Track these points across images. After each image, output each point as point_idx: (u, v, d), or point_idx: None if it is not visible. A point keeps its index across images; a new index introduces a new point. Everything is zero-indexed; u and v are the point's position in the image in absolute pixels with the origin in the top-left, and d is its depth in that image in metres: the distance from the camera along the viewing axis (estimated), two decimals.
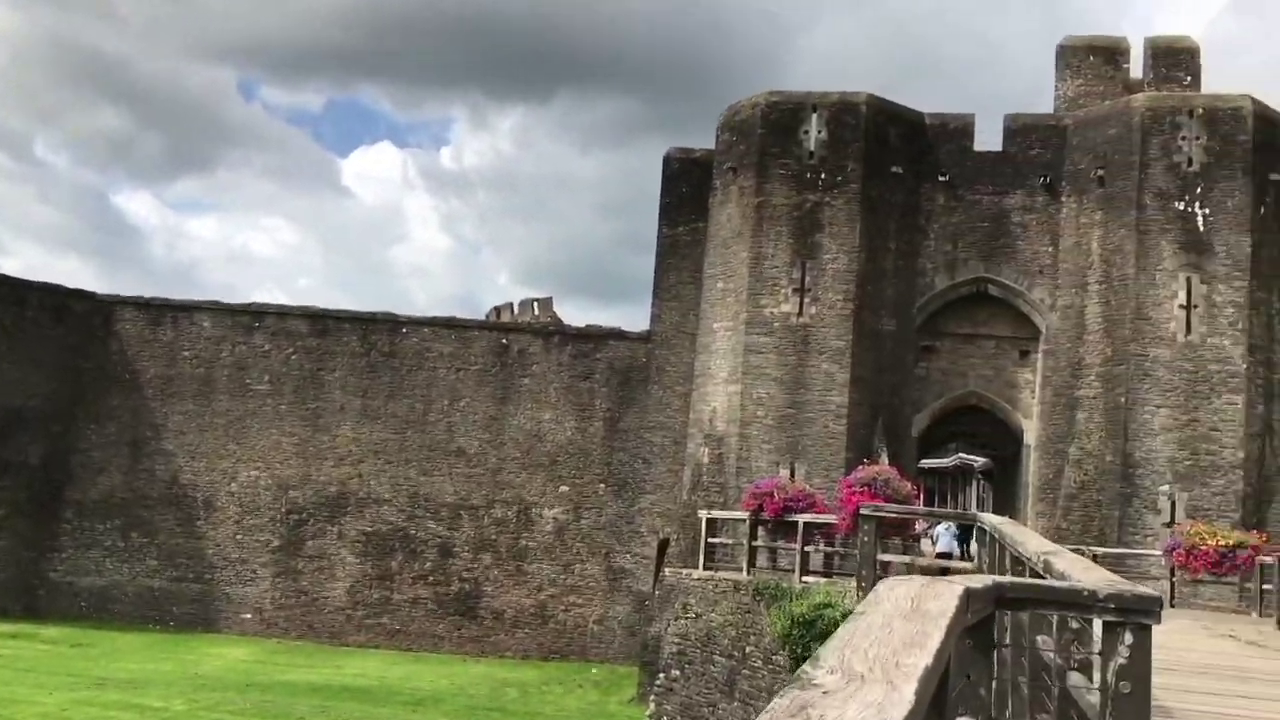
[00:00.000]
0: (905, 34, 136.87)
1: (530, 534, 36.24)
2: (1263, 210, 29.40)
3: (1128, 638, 4.90)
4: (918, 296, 31.78)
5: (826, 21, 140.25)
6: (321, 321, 37.76)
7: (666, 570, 30.00)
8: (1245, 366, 28.57)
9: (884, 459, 28.10)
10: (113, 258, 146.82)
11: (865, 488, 22.00)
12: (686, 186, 35.55)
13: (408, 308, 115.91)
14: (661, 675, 25.30)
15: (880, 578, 18.71)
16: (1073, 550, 15.55)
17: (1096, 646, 5.24)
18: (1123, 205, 29.74)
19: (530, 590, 35.99)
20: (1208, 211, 29.09)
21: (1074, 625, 6.58)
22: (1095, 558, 22.58)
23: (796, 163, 31.27)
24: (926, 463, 43.51)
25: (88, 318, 37.82)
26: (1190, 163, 29.33)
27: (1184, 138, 29.41)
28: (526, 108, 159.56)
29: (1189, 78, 32.85)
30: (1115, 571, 17.77)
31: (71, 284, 38.71)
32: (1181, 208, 29.20)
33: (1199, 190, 29.20)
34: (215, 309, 38.29)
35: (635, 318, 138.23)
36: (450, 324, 37.98)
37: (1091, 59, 34.16)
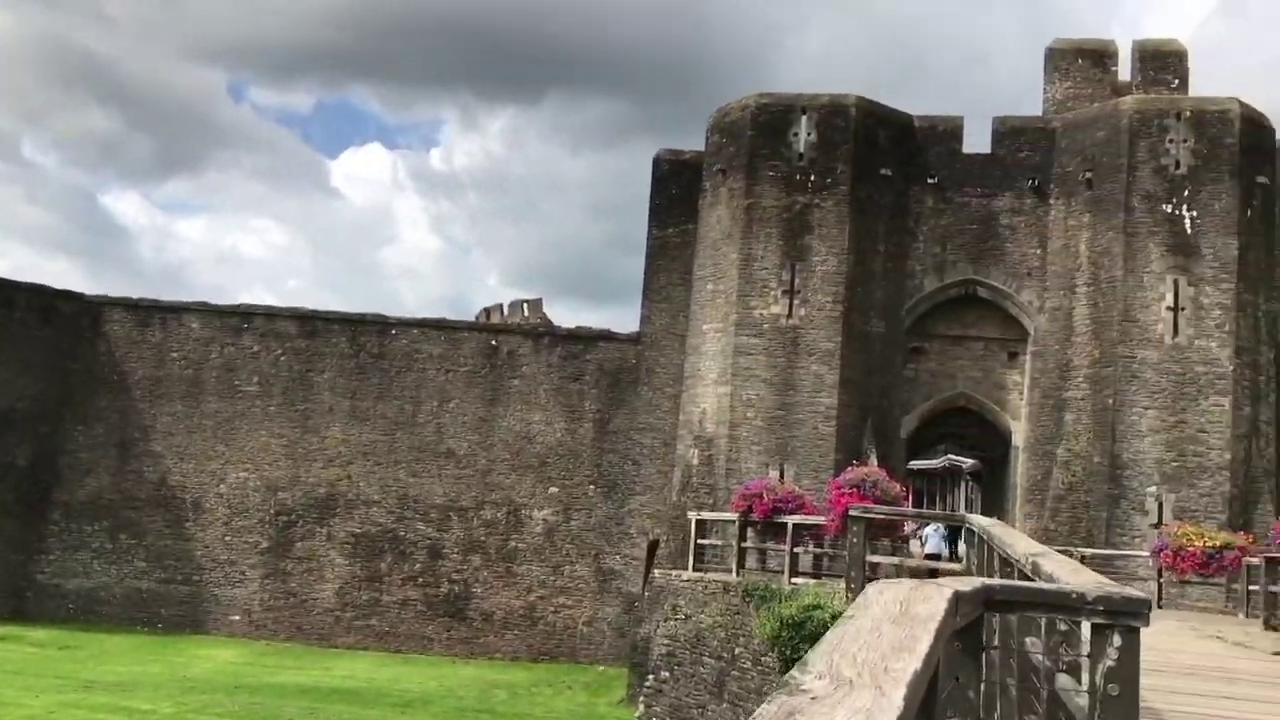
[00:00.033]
0: (894, 36, 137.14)
1: (520, 535, 36.21)
2: (1249, 213, 29.53)
3: (1116, 640, 4.92)
4: (907, 298, 31.85)
5: (815, 23, 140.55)
6: (310, 323, 37.69)
7: (656, 572, 30.00)
8: (1232, 368, 28.69)
9: (873, 460, 28.16)
10: (101, 259, 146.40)
11: (854, 489, 22.03)
12: (676, 188, 35.57)
13: (397, 309, 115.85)
14: (651, 677, 25.30)
15: (869, 579, 18.76)
16: (1060, 551, 15.61)
17: (1085, 648, 5.27)
18: (1111, 208, 29.85)
19: (520, 592, 35.96)
20: (1195, 214, 29.22)
21: (1062, 627, 6.60)
22: (1083, 559, 22.66)
23: (786, 164, 31.32)
24: (915, 464, 43.51)
25: (75, 319, 37.68)
26: (1178, 165, 29.45)
27: (1171, 140, 29.53)
28: (516, 109, 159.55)
29: (1177, 81, 32.99)
30: (1103, 573, 17.85)
31: (59, 285, 38.64)
32: (1169, 210, 29.32)
33: (1186, 193, 29.32)
34: (204, 310, 38.19)
35: (625, 319, 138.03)
36: (439, 325, 37.94)
37: (1080, 62, 34.28)
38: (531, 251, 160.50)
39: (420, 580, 36.31)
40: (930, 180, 31.93)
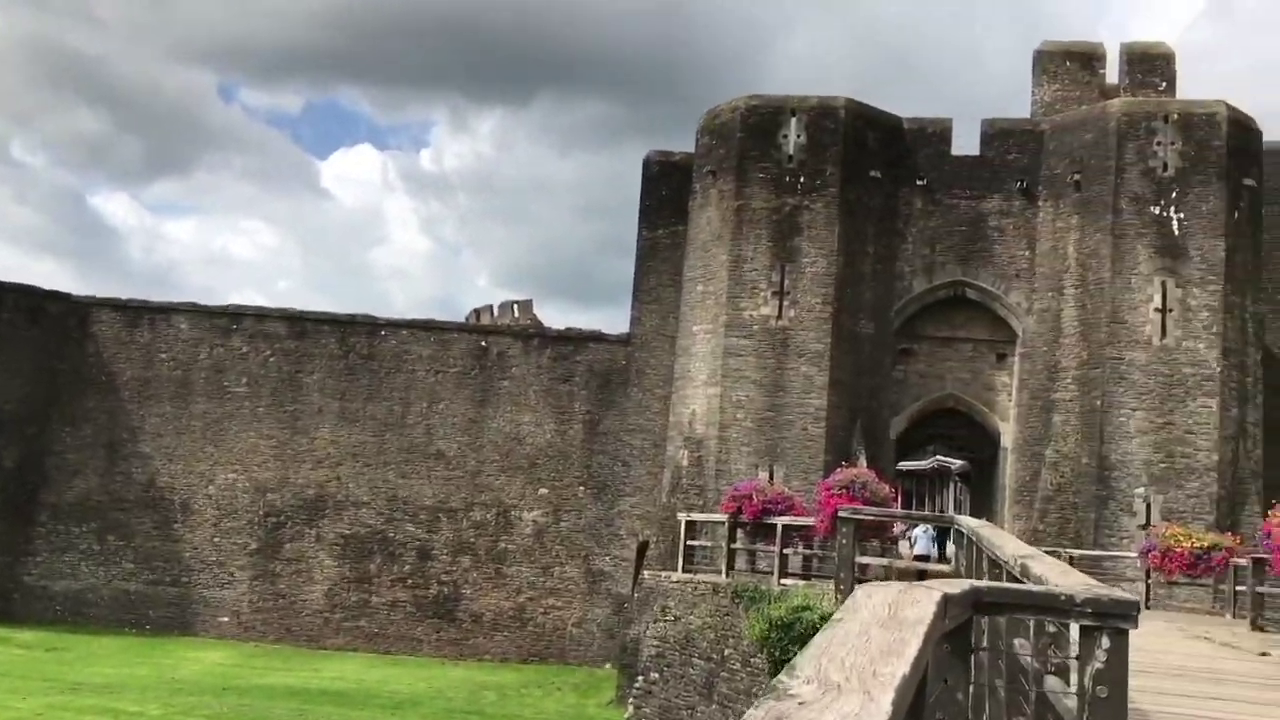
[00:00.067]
0: (883, 38, 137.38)
1: (509, 537, 36.18)
2: (1237, 215, 29.65)
3: (1105, 642, 4.93)
4: (896, 300, 31.91)
5: (805, 25, 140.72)
6: (300, 323, 37.62)
7: (645, 573, 30.00)
8: (1219, 370, 28.80)
9: (862, 461, 28.18)
10: (90, 260, 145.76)
11: (843, 490, 22.05)
12: (666, 189, 35.60)
13: (387, 310, 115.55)
14: (640, 678, 25.29)
15: (858, 580, 18.78)
16: (1048, 552, 15.65)
17: (1073, 650, 5.28)
18: (1099, 209, 29.95)
19: (509, 593, 35.93)
20: (1182, 216, 29.33)
21: (1051, 629, 6.62)
22: (1071, 560, 22.73)
23: (776, 166, 31.35)
24: (904, 465, 43.55)
25: (63, 319, 37.54)
26: (1165, 168, 29.55)
27: (1159, 143, 29.64)
28: (506, 110, 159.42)
29: (1164, 83, 33.11)
30: (1091, 574, 17.90)
31: (48, 286, 38.42)
32: (1157, 212, 29.42)
33: (1174, 195, 29.43)
34: (193, 311, 38.08)
35: (615, 320, 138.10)
36: (429, 326, 37.89)
37: (1068, 64, 34.38)
38: (521, 252, 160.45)
39: (410, 581, 36.26)
40: (919, 182, 32.00)
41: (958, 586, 4.41)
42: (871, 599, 3.31)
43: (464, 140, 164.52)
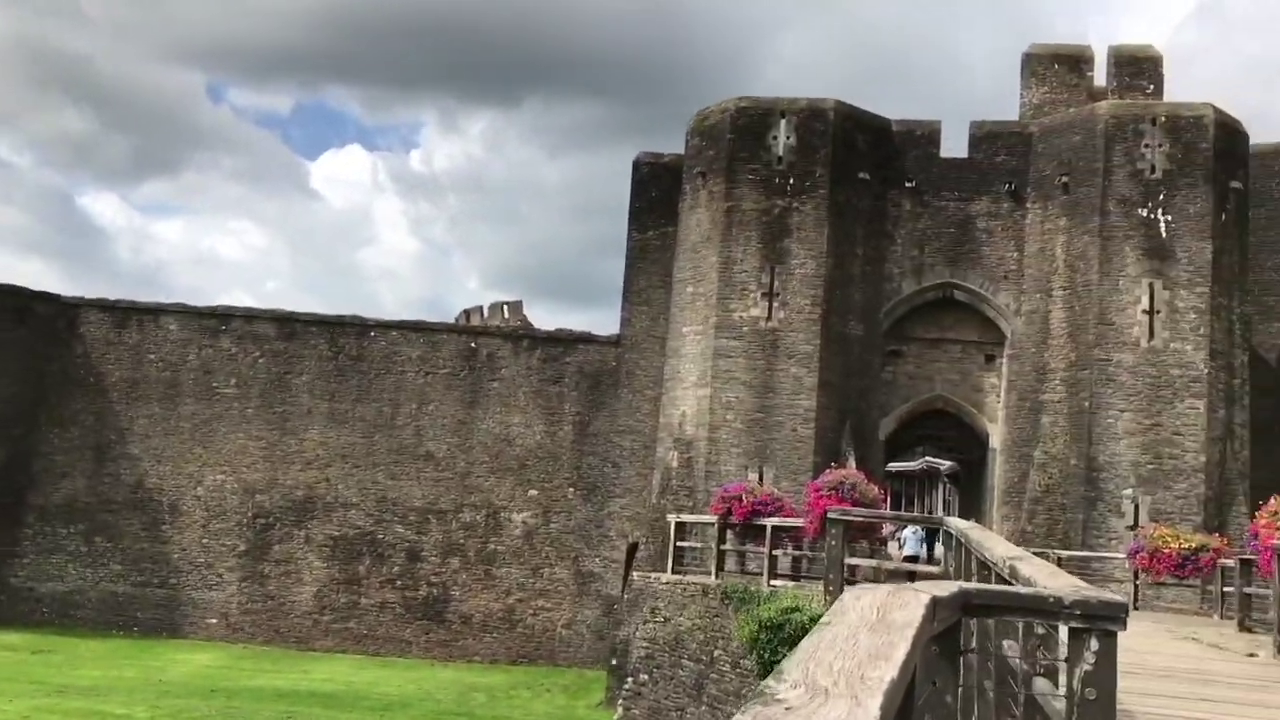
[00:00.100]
0: (872, 40, 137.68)
1: (499, 538, 36.13)
2: (1224, 217, 29.77)
3: (1093, 644, 4.94)
4: (884, 301, 31.96)
5: (794, 28, 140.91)
6: (289, 324, 37.52)
7: (635, 574, 29.99)
8: (1207, 371, 28.90)
9: (851, 463, 28.22)
10: (78, 260, 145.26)
11: (833, 491, 22.05)
12: (656, 191, 35.61)
13: (377, 311, 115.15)
14: (630, 679, 25.27)
15: (848, 581, 18.79)
16: (1037, 553, 15.68)
17: (1062, 652, 5.28)
18: (1087, 211, 30.04)
19: (499, 594, 35.88)
20: (1170, 218, 29.43)
21: (1040, 631, 6.63)
22: (1060, 561, 22.80)
23: (765, 168, 31.38)
24: (894, 466, 43.71)
25: (51, 320, 37.39)
26: (1153, 170, 29.66)
27: (1147, 145, 29.74)
28: (496, 111, 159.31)
29: (1152, 86, 33.23)
30: (1079, 575, 17.94)
31: (36, 286, 38.24)
32: (1144, 214, 29.52)
33: (1161, 197, 29.54)
34: (181, 311, 37.96)
35: (605, 322, 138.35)
36: (418, 327, 37.83)
37: (1056, 67, 34.48)
38: (511, 254, 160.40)
39: (399, 583, 36.19)
40: (908, 184, 32.07)
41: (946, 589, 4.41)
42: (859, 602, 3.30)
43: (454, 141, 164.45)
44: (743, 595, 22.20)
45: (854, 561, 20.83)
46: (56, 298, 37.92)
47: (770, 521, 23.59)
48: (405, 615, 35.98)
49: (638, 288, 35.77)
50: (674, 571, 25.51)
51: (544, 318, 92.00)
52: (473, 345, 37.19)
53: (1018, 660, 6.92)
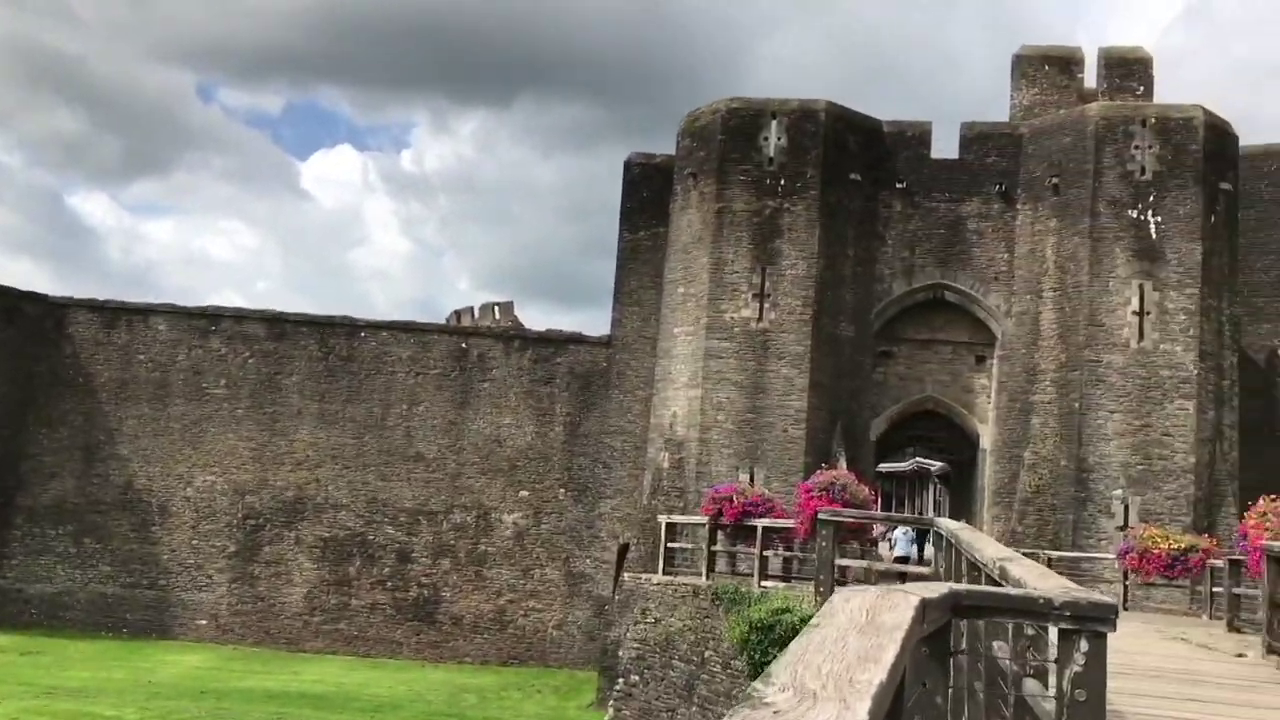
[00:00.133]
0: (863, 41, 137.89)
1: (489, 539, 36.09)
2: (1213, 218, 29.85)
3: (1083, 645, 4.93)
4: (875, 302, 31.99)
5: (785, 29, 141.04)
6: (279, 325, 37.44)
7: (626, 575, 29.97)
8: (1196, 372, 28.98)
9: (842, 463, 28.25)
10: (67, 260, 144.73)
11: (823, 492, 22.06)
12: (647, 192, 35.61)
13: (368, 311, 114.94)
14: (620, 680, 25.25)
15: (838, 582, 18.80)
16: (1027, 554, 15.69)
17: (1052, 653, 5.28)
18: (1077, 213, 30.10)
19: (489, 595, 35.84)
20: (1160, 219, 29.50)
21: (1029, 632, 6.63)
22: (1050, 562, 22.84)
23: (756, 169, 31.40)
24: (884, 467, 43.69)
25: (40, 320, 37.25)
26: (1143, 171, 29.73)
27: (1137, 147, 29.82)
28: (488, 112, 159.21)
29: (1142, 87, 33.31)
30: (1069, 575, 17.96)
31: (24, 287, 38.09)
32: (1134, 215, 29.59)
33: (1151, 198, 29.61)
34: (171, 312, 37.85)
35: (596, 322, 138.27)
36: (409, 328, 37.78)
37: (1046, 69, 34.55)
38: (503, 254, 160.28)
39: (389, 584, 36.13)
40: (899, 185, 32.10)
41: (936, 590, 4.40)
42: (849, 604, 3.29)
43: (445, 142, 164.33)
44: (733, 596, 22.20)
45: (845, 562, 20.84)
46: (45, 298, 37.79)
47: (761, 522, 23.59)
48: (396, 616, 35.92)
49: (629, 288, 35.77)
50: (665, 572, 25.50)
51: (535, 318, 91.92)
52: (463, 346, 37.14)
53: (1008, 661, 6.92)
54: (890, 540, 30.05)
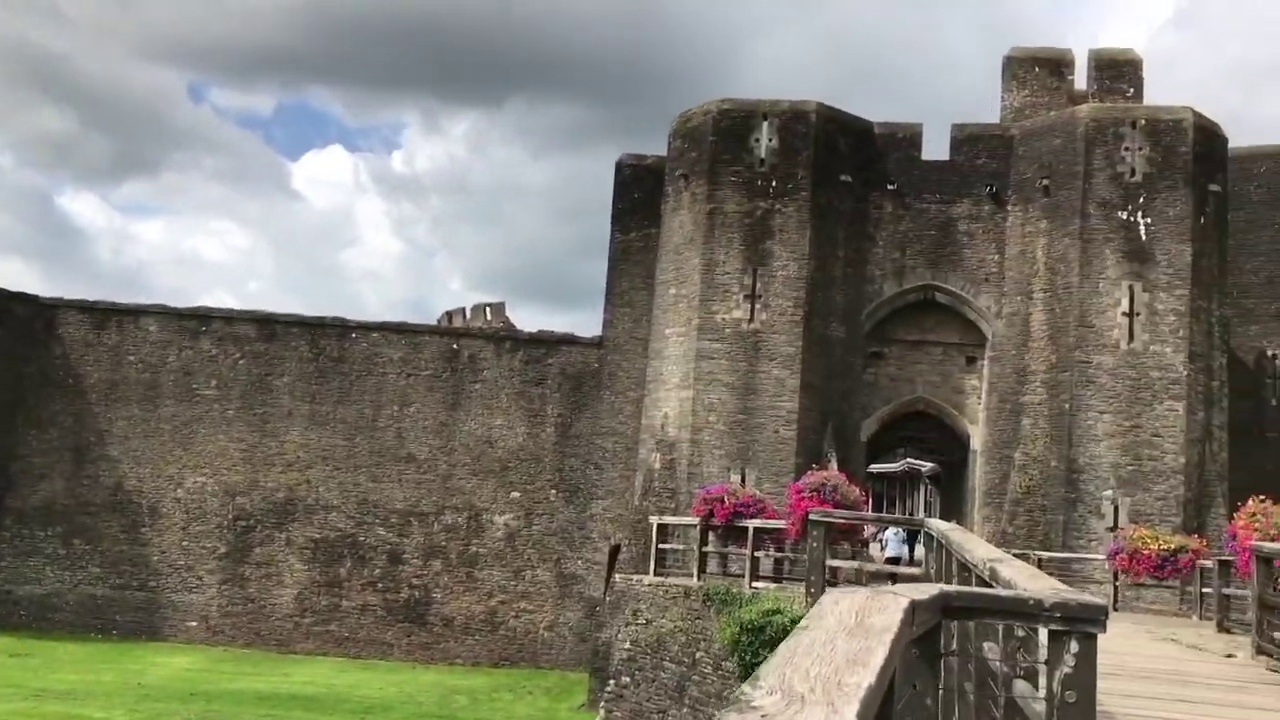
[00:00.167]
0: (854, 43, 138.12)
1: (481, 540, 36.05)
2: (1203, 220, 29.94)
3: (1073, 646, 4.93)
4: (866, 303, 32.03)
5: (776, 30, 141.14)
6: (269, 326, 37.35)
7: (617, 576, 29.96)
8: (1186, 373, 29.06)
9: (833, 464, 28.26)
10: (57, 261, 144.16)
11: (814, 493, 22.05)
12: (639, 193, 35.61)
13: (359, 312, 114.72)
14: (612, 681, 25.24)
15: (829, 583, 18.80)
16: (1018, 555, 15.72)
17: (1042, 654, 5.28)
18: (1067, 214, 30.16)
19: (480, 597, 35.79)
20: (1149, 221, 29.58)
21: (1020, 633, 6.63)
22: (1040, 562, 22.90)
23: (747, 170, 31.41)
24: (875, 468, 43.79)
25: (29, 321, 37.12)
26: (1133, 173, 29.81)
27: (1127, 148, 29.89)
28: (479, 112, 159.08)
29: (1132, 89, 33.40)
30: (1060, 576, 17.99)
31: (14, 287, 37.91)
32: (1124, 217, 29.67)
33: (1141, 200, 29.69)
34: (161, 313, 37.74)
35: (588, 323, 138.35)
36: (400, 329, 37.72)
37: (1037, 70, 34.63)
38: (494, 255, 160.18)
39: (380, 585, 36.06)
40: (890, 186, 32.14)
41: (925, 592, 4.40)
42: (838, 606, 3.29)
43: (436, 142, 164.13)
44: (725, 597, 22.20)
45: (836, 563, 20.83)
46: (34, 298, 37.65)
47: (752, 523, 23.59)
48: (387, 618, 35.85)
49: (620, 289, 35.75)
50: (656, 573, 25.50)
51: (527, 319, 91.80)
52: (454, 347, 37.10)
53: (998, 663, 6.93)
54: (882, 541, 30.10)
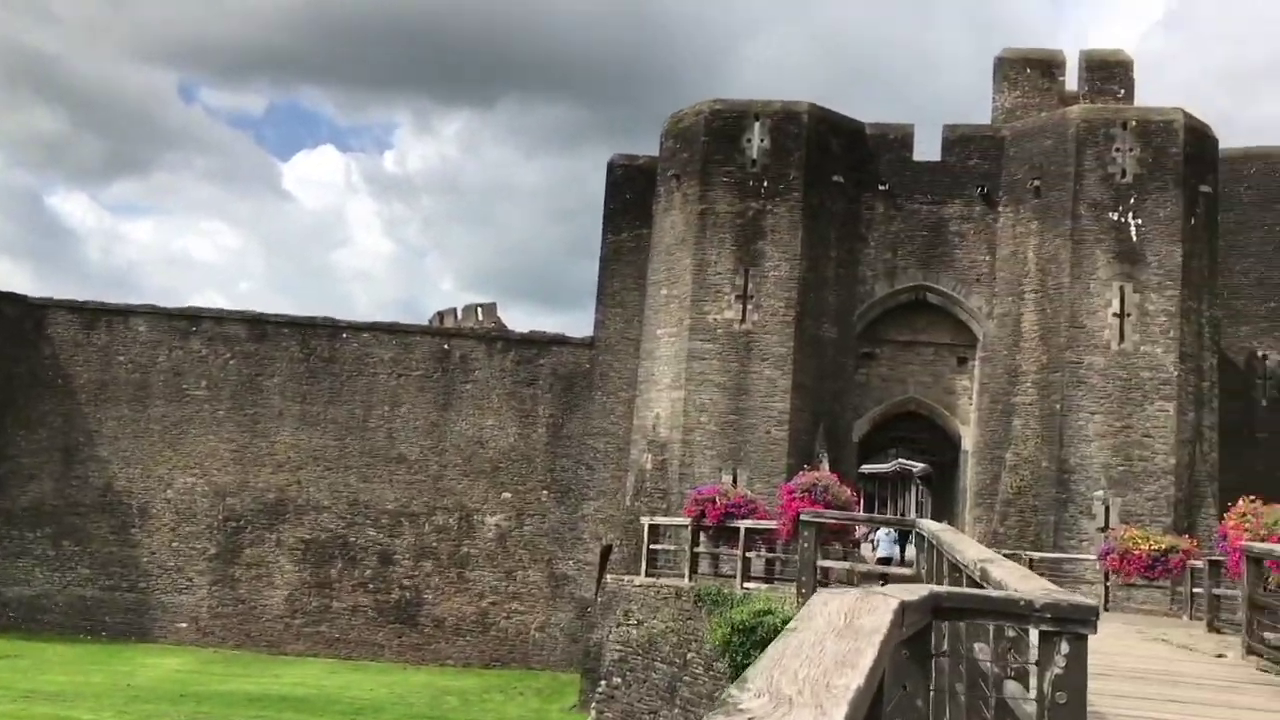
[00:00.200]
0: (846, 44, 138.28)
1: (472, 541, 35.99)
2: (1193, 221, 29.99)
3: (1064, 647, 4.92)
4: (858, 304, 32.03)
5: (768, 31, 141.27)
6: (260, 326, 37.25)
7: (609, 577, 29.91)
8: (1176, 374, 29.11)
9: (825, 465, 28.25)
10: (47, 261, 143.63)
11: (805, 494, 22.06)
12: (631, 193, 35.58)
13: (350, 313, 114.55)
14: (603, 682, 25.21)
15: (821, 583, 18.80)
16: (1009, 555, 15.71)
17: (1033, 655, 5.27)
18: (1058, 215, 30.20)
19: (472, 598, 35.73)
20: (1140, 222, 29.63)
21: (1010, 634, 6.62)
22: (1031, 563, 22.90)
23: (739, 170, 31.40)
24: (867, 468, 43.77)
25: (19, 321, 36.97)
26: (1124, 174, 29.85)
27: (1118, 149, 29.93)
28: (471, 112, 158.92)
29: (1122, 90, 33.46)
30: (1051, 576, 17.99)
31: (3, 288, 37.77)
32: (1115, 218, 29.71)
33: (1132, 201, 29.73)
34: (151, 313, 37.61)
35: (579, 324, 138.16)
36: (391, 329, 37.64)
37: (1028, 71, 34.67)
38: (486, 255, 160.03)
39: (371, 586, 35.98)
40: (881, 187, 32.15)
41: (915, 592, 4.38)
42: (827, 607, 3.26)
43: (428, 142, 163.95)
44: (716, 598, 22.18)
45: (827, 564, 20.84)
46: (23, 298, 37.51)
47: (744, 524, 23.57)
48: (377, 619, 35.77)
49: (612, 290, 35.71)
50: (647, 574, 25.47)
51: (519, 320, 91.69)
52: (446, 347, 37.03)
53: (989, 663, 6.91)
54: (873, 541, 30.10)
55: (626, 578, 26.85)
